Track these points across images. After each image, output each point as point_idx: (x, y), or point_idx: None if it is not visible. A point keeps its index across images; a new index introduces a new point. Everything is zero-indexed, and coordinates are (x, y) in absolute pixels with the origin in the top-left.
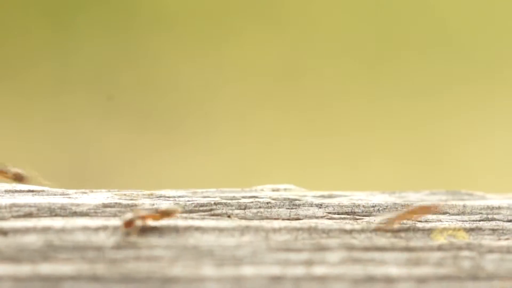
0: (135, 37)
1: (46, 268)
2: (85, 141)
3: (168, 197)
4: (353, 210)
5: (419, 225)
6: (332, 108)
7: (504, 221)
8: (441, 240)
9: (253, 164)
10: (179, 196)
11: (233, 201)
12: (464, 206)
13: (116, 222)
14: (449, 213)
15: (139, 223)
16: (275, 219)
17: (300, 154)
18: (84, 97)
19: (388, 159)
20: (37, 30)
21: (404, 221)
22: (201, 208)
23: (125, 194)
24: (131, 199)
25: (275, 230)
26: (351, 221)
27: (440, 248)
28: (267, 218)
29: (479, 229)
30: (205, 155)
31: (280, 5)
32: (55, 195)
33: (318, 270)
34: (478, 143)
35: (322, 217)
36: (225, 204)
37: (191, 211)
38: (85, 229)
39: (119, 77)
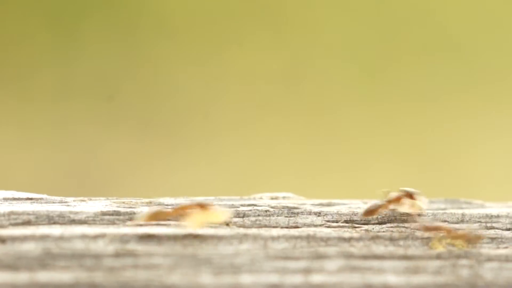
0: (137, 44)
1: (44, 276)
2: (85, 147)
3: (167, 205)
4: (351, 219)
5: (418, 233)
6: (332, 116)
7: (503, 229)
8: (439, 248)
9: (252, 172)
10: (178, 204)
11: (232, 209)
12: (463, 214)
13: (114, 230)
14: (448, 222)
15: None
16: (274, 227)
17: (300, 161)
18: (85, 104)
19: (388, 167)
20: (40, 36)
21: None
22: None
23: (123, 202)
24: (130, 207)
25: (273, 238)
26: (349, 230)
27: (438, 256)
28: (265, 226)
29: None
30: (204, 162)
31: (283, 11)
32: (53, 203)
33: (316, 279)
34: (478, 151)
35: (320, 225)
36: None
37: None
38: (84, 237)
39: (121, 84)
